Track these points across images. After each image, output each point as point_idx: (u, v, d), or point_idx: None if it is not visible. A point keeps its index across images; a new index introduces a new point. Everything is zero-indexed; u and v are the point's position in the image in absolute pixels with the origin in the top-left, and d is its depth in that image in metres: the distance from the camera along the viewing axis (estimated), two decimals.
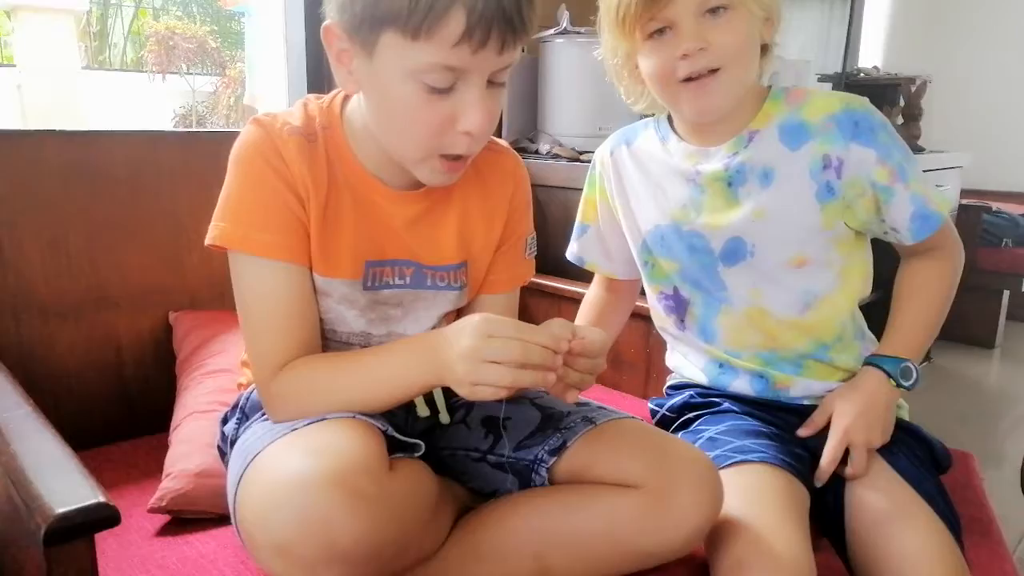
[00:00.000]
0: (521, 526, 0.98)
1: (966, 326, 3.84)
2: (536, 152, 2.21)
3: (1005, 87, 4.51)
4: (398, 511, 0.83)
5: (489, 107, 0.91)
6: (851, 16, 3.50)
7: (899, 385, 1.15)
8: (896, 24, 4.67)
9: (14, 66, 7.81)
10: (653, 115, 1.28)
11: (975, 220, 3.74)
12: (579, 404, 1.07)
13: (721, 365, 1.25)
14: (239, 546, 0.98)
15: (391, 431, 0.93)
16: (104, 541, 1.03)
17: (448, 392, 1.08)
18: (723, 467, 1.08)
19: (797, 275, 1.18)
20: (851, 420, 1.12)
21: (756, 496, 1.03)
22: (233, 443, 1.02)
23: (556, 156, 2.13)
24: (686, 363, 1.32)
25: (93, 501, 0.73)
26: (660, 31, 1.09)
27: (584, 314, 1.42)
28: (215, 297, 1.52)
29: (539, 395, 1.10)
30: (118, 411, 1.46)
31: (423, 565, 0.95)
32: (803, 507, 1.07)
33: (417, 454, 0.96)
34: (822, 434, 1.15)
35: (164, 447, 1.25)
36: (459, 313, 1.09)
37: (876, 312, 1.28)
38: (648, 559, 0.96)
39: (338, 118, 1.01)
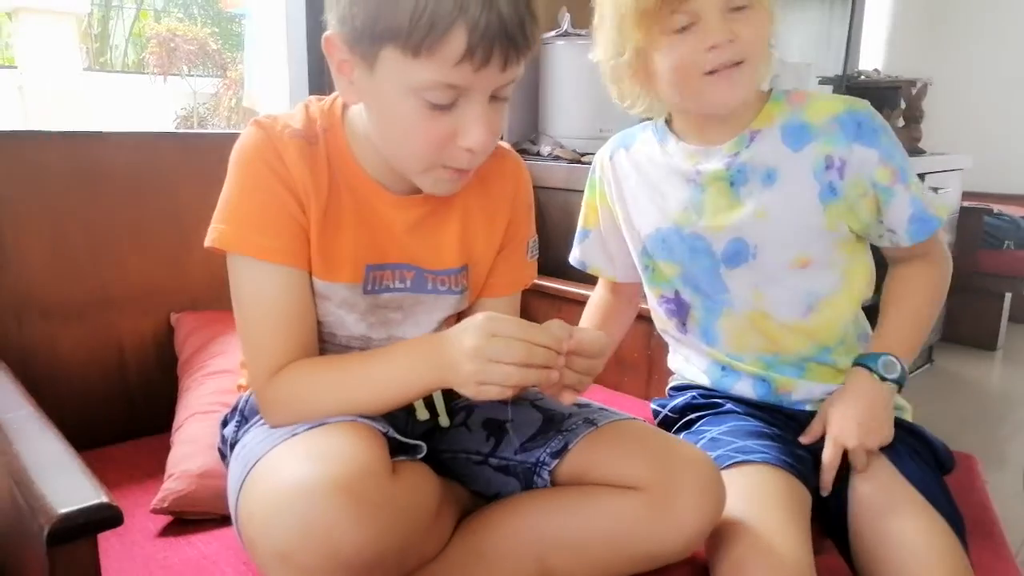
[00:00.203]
0: (523, 528, 0.98)
1: (968, 328, 3.85)
2: (537, 154, 2.21)
3: (1006, 89, 4.51)
4: (401, 517, 0.83)
5: (491, 122, 0.91)
6: (852, 18, 3.50)
7: (884, 379, 1.14)
8: (897, 26, 4.67)
9: (15, 68, 7.82)
10: (650, 119, 1.27)
11: (976, 222, 3.74)
12: (580, 406, 1.07)
13: (723, 368, 1.25)
14: (241, 547, 0.98)
15: (392, 433, 0.92)
16: (107, 541, 1.03)
17: (447, 395, 1.08)
18: (724, 467, 1.08)
19: (800, 276, 1.17)
20: (843, 425, 1.12)
21: (757, 497, 1.03)
22: (233, 446, 1.02)
23: (557, 158, 2.13)
24: (688, 365, 1.32)
25: (96, 501, 0.73)
26: (684, 27, 1.08)
27: (589, 317, 1.42)
28: (217, 298, 1.52)
29: (540, 397, 1.10)
30: (120, 411, 1.46)
31: (425, 568, 0.95)
32: (804, 508, 1.07)
33: (419, 456, 0.96)
34: (821, 445, 1.15)
35: (166, 448, 1.25)
36: (459, 317, 1.08)
37: (876, 314, 1.28)
38: (650, 561, 0.96)
39: (339, 121, 1.00)
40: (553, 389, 0.91)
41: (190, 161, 1.53)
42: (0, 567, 0.89)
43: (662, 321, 1.32)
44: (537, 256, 1.17)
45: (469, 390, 0.87)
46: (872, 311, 1.25)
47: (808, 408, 1.22)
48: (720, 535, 0.99)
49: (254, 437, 0.95)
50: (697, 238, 1.20)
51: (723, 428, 1.17)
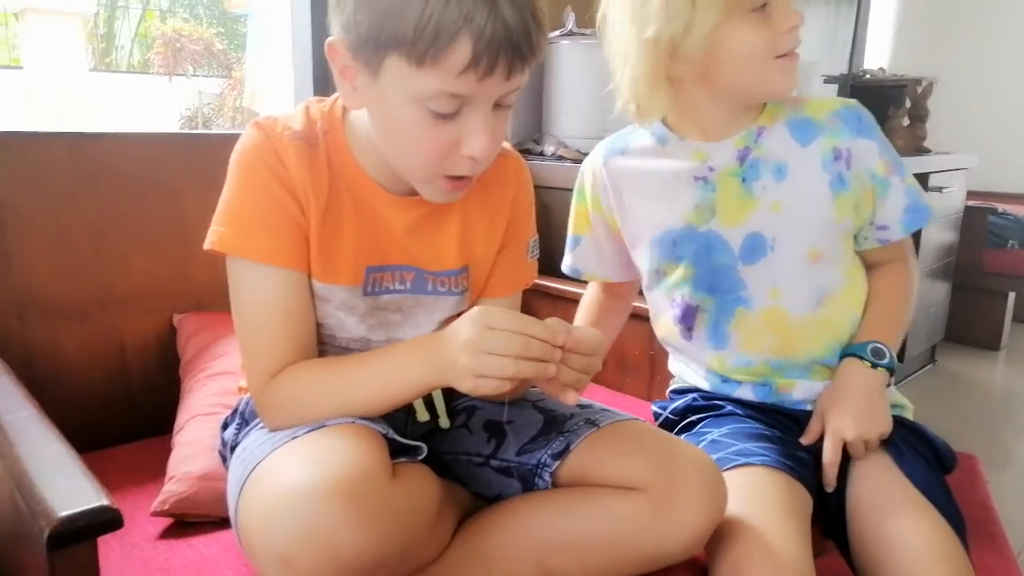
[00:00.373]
0: (524, 530, 0.98)
1: (971, 328, 3.84)
2: (541, 154, 2.21)
3: (1011, 89, 4.50)
4: (402, 519, 0.82)
5: (494, 131, 0.90)
6: (857, 17, 3.48)
7: (875, 366, 1.15)
8: (902, 25, 4.66)
9: (21, 68, 7.84)
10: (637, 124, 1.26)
11: (981, 222, 3.74)
12: (582, 406, 1.07)
13: (724, 379, 1.25)
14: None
15: (392, 434, 0.92)
16: (107, 544, 1.03)
17: (448, 396, 1.08)
18: (725, 470, 1.07)
19: (813, 270, 1.18)
20: (839, 418, 1.12)
21: (757, 499, 1.03)
22: (233, 449, 1.02)
23: (561, 158, 2.13)
24: (688, 371, 1.31)
25: (96, 504, 0.73)
26: (762, 6, 1.07)
27: (582, 316, 1.42)
28: (220, 299, 1.50)
29: (541, 398, 1.10)
30: (122, 413, 1.47)
31: (426, 570, 0.95)
32: (805, 510, 1.07)
33: (419, 458, 0.96)
34: (821, 446, 1.14)
35: (168, 449, 1.25)
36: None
37: None
38: (652, 562, 0.96)
39: (340, 122, 1.00)
40: (552, 388, 0.91)
41: (194, 162, 1.53)
42: (0, 569, 0.89)
43: (666, 328, 1.30)
44: (538, 256, 1.16)
45: (466, 384, 0.86)
46: None
47: (808, 408, 1.21)
48: (720, 536, 0.99)
49: (254, 440, 0.95)
50: (713, 236, 1.19)
51: (724, 430, 1.17)
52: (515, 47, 0.83)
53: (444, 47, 0.81)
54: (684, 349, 1.29)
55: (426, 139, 0.89)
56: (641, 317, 1.44)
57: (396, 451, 0.93)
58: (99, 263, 1.43)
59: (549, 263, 1.40)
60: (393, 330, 1.05)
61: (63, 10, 7.75)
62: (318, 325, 1.01)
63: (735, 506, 1.00)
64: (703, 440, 1.18)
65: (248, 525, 0.83)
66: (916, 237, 3.00)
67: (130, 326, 1.48)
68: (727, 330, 1.22)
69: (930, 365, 3.62)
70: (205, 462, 1.17)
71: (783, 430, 1.18)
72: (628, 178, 1.25)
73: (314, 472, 0.79)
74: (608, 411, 1.06)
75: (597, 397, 1.20)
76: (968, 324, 3.83)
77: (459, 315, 1.07)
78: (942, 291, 3.49)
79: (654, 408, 1.35)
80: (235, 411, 1.08)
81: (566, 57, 2.20)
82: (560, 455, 0.99)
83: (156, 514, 1.13)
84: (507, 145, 1.11)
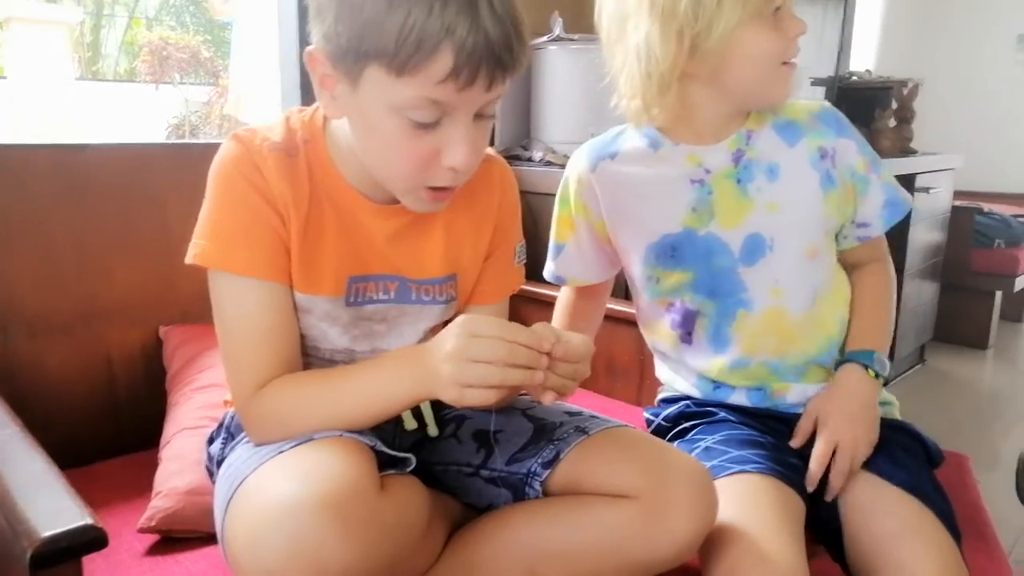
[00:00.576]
0: (515, 540, 0.98)
1: (959, 327, 3.86)
2: (529, 159, 2.20)
3: (996, 89, 4.53)
4: (391, 532, 0.82)
5: (475, 141, 0.90)
6: (844, 20, 3.50)
7: (877, 375, 1.17)
8: (888, 28, 4.68)
9: (5, 78, 7.80)
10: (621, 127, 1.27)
11: (967, 221, 3.76)
12: (571, 414, 1.06)
13: (716, 385, 1.25)
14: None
15: (380, 446, 0.92)
16: (93, 562, 1.02)
17: (436, 405, 1.07)
18: (720, 477, 1.07)
19: (809, 267, 1.20)
20: (836, 422, 1.13)
21: (751, 506, 1.03)
22: (220, 463, 1.01)
23: (549, 163, 2.13)
24: (677, 378, 1.31)
25: (80, 523, 0.73)
26: (776, 9, 1.09)
27: (559, 320, 1.41)
28: (206, 311, 1.48)
29: (531, 406, 1.09)
30: (108, 427, 1.45)
31: None
32: (798, 517, 1.06)
33: (408, 469, 0.95)
34: (814, 440, 1.14)
35: (154, 464, 1.24)
36: (446, 325, 1.07)
37: None
38: (643, 569, 0.95)
39: (320, 132, 0.99)
40: (537, 391, 0.90)
41: (178, 172, 1.52)
42: None
43: (661, 334, 1.29)
44: (524, 261, 1.16)
45: (452, 394, 0.85)
46: None
47: (801, 410, 1.21)
48: (714, 542, 0.99)
49: (240, 455, 0.94)
50: (713, 239, 1.19)
51: (717, 437, 1.17)
52: (496, 59, 0.83)
53: (425, 58, 0.81)
54: (680, 355, 1.28)
55: (406, 149, 0.88)
56: (630, 322, 1.43)
57: (384, 463, 0.92)
58: (83, 275, 1.42)
59: (538, 269, 1.39)
60: (377, 340, 1.04)
61: (48, 19, 7.71)
62: (301, 336, 1.00)
63: (729, 513, 1.00)
64: (696, 447, 1.17)
65: (235, 540, 0.83)
66: (903, 237, 3.01)
67: (115, 339, 1.46)
68: (728, 333, 1.22)
69: (919, 365, 3.63)
70: (192, 477, 1.16)
71: (776, 435, 1.18)
72: (621, 184, 1.24)
73: (301, 487, 0.78)
74: (597, 418, 1.06)
75: (587, 403, 1.19)
76: (956, 323, 3.85)
77: (445, 324, 1.07)
78: (930, 291, 3.50)
79: (646, 415, 1.35)
80: (221, 425, 1.07)
81: (553, 62, 2.19)
82: (550, 464, 0.99)
83: (143, 530, 1.12)
84: (491, 150, 1.11)
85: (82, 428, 1.42)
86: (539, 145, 2.23)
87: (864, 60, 4.37)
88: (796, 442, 1.17)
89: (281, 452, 0.87)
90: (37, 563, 0.69)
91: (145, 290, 1.49)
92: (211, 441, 1.08)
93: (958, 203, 3.70)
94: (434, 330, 1.08)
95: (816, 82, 3.30)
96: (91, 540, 0.72)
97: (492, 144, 2.29)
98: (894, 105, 3.25)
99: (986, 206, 3.90)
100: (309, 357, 1.03)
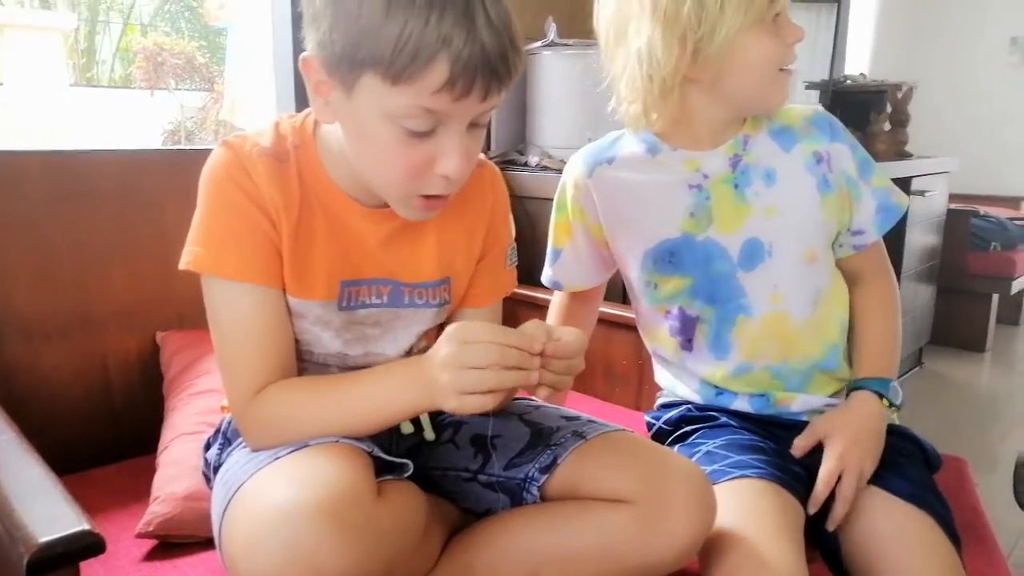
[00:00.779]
0: (513, 545, 0.98)
1: (956, 330, 3.86)
2: (525, 164, 2.20)
3: (989, 92, 4.54)
4: (387, 538, 0.82)
5: (469, 150, 0.90)
6: (837, 24, 3.50)
7: (891, 405, 1.16)
8: (882, 31, 4.69)
9: (1, 84, 7.79)
10: (620, 131, 1.27)
11: (963, 224, 3.77)
12: (569, 418, 1.06)
13: (717, 389, 1.24)
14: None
15: (377, 452, 0.92)
16: (90, 568, 1.01)
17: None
18: (720, 482, 1.07)
19: (809, 271, 1.20)
20: (846, 446, 1.10)
21: (751, 511, 1.02)
22: (216, 469, 1.01)
23: (545, 168, 2.13)
24: (678, 383, 1.30)
25: (77, 529, 0.72)
26: (776, 15, 1.10)
27: (553, 323, 1.40)
28: (203, 315, 1.49)
29: (528, 411, 1.09)
30: (105, 433, 1.45)
31: None
32: (798, 523, 1.06)
33: (405, 474, 0.95)
34: (816, 452, 1.14)
35: (152, 469, 1.24)
36: (441, 328, 1.07)
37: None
38: (641, 573, 0.95)
39: (311, 137, 0.99)
40: (531, 389, 0.91)
41: (175, 177, 1.52)
42: None
43: (662, 340, 1.29)
44: (516, 264, 1.16)
45: (452, 403, 0.86)
46: None
47: (805, 419, 1.21)
48: (714, 547, 0.99)
49: (237, 461, 0.94)
50: (711, 244, 1.19)
51: (718, 442, 1.17)
52: (492, 70, 0.83)
53: (421, 67, 0.81)
54: (681, 361, 1.27)
55: (400, 157, 0.88)
56: (628, 327, 1.43)
57: (382, 468, 0.92)
58: (80, 280, 1.42)
59: (535, 273, 1.39)
60: (371, 344, 1.04)
61: (43, 25, 7.71)
62: (295, 341, 1.00)
63: (729, 518, 1.00)
64: (697, 452, 1.17)
65: (232, 546, 0.83)
66: (899, 240, 3.01)
67: (112, 344, 1.46)
68: (729, 339, 1.21)
69: (917, 368, 3.64)
70: (189, 482, 1.15)
71: (778, 441, 1.18)
72: (619, 189, 1.23)
73: (297, 492, 0.78)
74: (595, 422, 1.06)
75: (585, 407, 1.20)
76: (954, 326, 3.85)
77: (439, 327, 1.07)
78: (927, 294, 3.51)
79: (647, 418, 1.34)
80: (217, 431, 1.07)
81: (548, 67, 2.19)
82: (548, 469, 0.99)
83: (141, 536, 1.12)
84: (480, 155, 1.11)
85: (79, 433, 1.42)
86: (535, 150, 2.23)
87: (858, 64, 4.38)
88: (797, 454, 1.16)
89: (278, 458, 0.87)
90: (34, 569, 0.69)
91: (142, 295, 1.49)
92: (208, 447, 1.08)
93: (954, 206, 3.70)
94: (427, 334, 1.08)
95: (810, 86, 3.31)
96: (88, 546, 0.72)
97: (488, 149, 2.30)
98: (889, 109, 3.25)
99: (982, 209, 3.90)
100: (303, 361, 1.03)
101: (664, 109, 1.15)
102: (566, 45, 2.18)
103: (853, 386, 1.19)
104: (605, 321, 1.65)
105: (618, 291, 1.47)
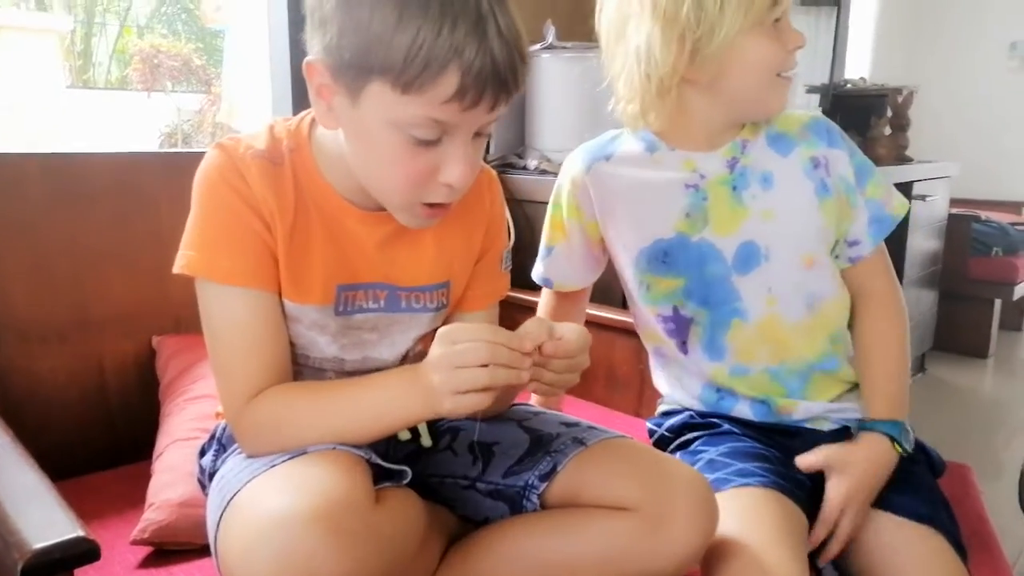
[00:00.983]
0: (513, 553, 0.97)
1: (959, 336, 3.86)
2: (524, 167, 2.19)
3: (989, 97, 4.54)
4: (385, 546, 0.81)
5: (472, 159, 0.90)
6: (837, 28, 3.51)
7: (902, 448, 1.13)
8: (882, 35, 4.69)
9: None
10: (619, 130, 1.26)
11: (965, 229, 3.76)
12: (569, 425, 1.05)
13: (719, 390, 1.23)
14: None
15: (375, 459, 0.91)
16: (85, 574, 1.00)
17: None
18: (722, 490, 1.06)
19: (807, 276, 1.18)
20: (852, 487, 1.09)
21: (754, 519, 1.02)
22: (212, 476, 1.00)
23: (544, 171, 2.12)
24: (679, 389, 1.29)
25: (72, 535, 0.72)
26: (776, 20, 1.10)
27: None
28: (199, 320, 1.50)
29: (526, 417, 1.08)
30: (101, 437, 1.44)
31: None
32: (801, 530, 1.06)
33: (404, 481, 0.94)
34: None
35: (147, 475, 1.23)
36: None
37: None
38: None
39: (306, 140, 0.98)
40: (533, 387, 0.91)
41: (172, 179, 1.51)
42: None
43: (659, 340, 1.28)
44: (511, 267, 1.15)
45: (448, 404, 0.85)
46: None
47: (807, 425, 1.20)
48: (715, 555, 0.98)
49: (232, 468, 0.93)
50: (706, 245, 1.18)
51: (721, 449, 1.16)
52: (501, 81, 0.83)
53: (432, 78, 0.80)
54: (678, 361, 1.27)
55: (404, 165, 0.88)
56: (629, 332, 1.42)
57: (380, 475, 0.91)
58: (76, 284, 1.42)
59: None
60: (368, 349, 1.04)
61: (39, 27, 7.73)
62: (291, 345, 0.99)
63: (732, 526, 0.99)
64: (699, 459, 1.16)
65: (228, 554, 0.82)
66: (901, 245, 3.01)
67: (108, 348, 1.46)
68: (723, 342, 1.21)
69: (919, 374, 3.63)
70: (185, 489, 1.15)
71: (780, 448, 1.17)
72: (616, 186, 1.23)
73: (293, 500, 0.77)
74: (595, 428, 1.05)
75: (586, 414, 1.19)
76: (956, 332, 3.85)
77: (436, 331, 1.06)
78: (929, 300, 3.51)
79: (649, 425, 1.33)
80: (212, 437, 1.06)
81: (547, 70, 2.19)
82: (547, 476, 0.98)
83: (136, 543, 1.12)
84: None
85: (74, 438, 1.42)
86: (534, 153, 2.22)
87: (858, 68, 4.39)
88: (799, 465, 1.14)
89: (274, 465, 0.86)
90: (28, 575, 0.69)
91: (138, 299, 1.48)
92: (203, 453, 1.07)
93: (955, 211, 3.70)
94: (424, 338, 1.07)
95: (811, 90, 3.31)
96: (83, 552, 0.72)
97: (487, 152, 2.29)
98: (889, 113, 3.25)
99: (983, 214, 3.90)
100: (299, 365, 1.02)
101: (662, 109, 1.15)
102: (565, 48, 2.17)
103: (866, 425, 1.16)
104: (606, 326, 1.64)
105: (618, 296, 1.46)
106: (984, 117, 4.55)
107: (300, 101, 2.02)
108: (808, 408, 1.20)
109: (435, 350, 0.86)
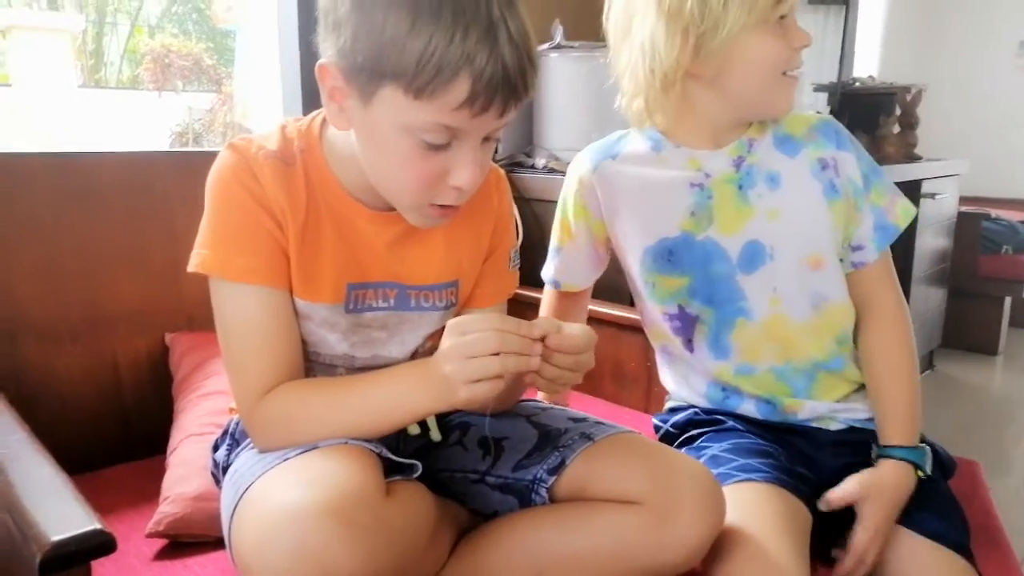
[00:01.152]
0: (522, 546, 0.98)
1: (969, 333, 3.85)
2: (532, 167, 2.20)
3: (998, 95, 4.53)
4: (396, 539, 0.82)
5: (482, 163, 0.91)
6: (845, 26, 3.49)
7: (924, 472, 1.13)
8: (891, 33, 4.68)
9: (9, 85, 7.81)
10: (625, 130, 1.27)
11: (975, 227, 3.76)
12: (577, 420, 1.06)
13: (725, 389, 1.24)
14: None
15: (386, 452, 0.92)
16: (102, 566, 1.02)
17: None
18: (726, 485, 1.06)
19: (813, 277, 1.18)
20: (882, 520, 1.08)
21: (756, 514, 1.02)
22: (225, 470, 1.01)
23: (552, 171, 2.12)
24: (685, 387, 1.30)
25: (89, 528, 0.73)
26: (782, 17, 1.09)
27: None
28: (211, 318, 1.51)
29: (535, 412, 1.09)
30: (116, 433, 1.45)
31: None
32: (804, 527, 1.06)
33: (414, 475, 0.95)
34: (822, 448, 1.14)
35: (161, 470, 1.24)
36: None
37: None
38: (650, 574, 0.95)
39: (318, 140, 0.99)
40: (546, 386, 0.92)
41: (183, 179, 1.52)
42: None
43: (666, 338, 1.28)
44: (519, 265, 1.16)
45: (462, 395, 0.86)
46: None
47: (813, 424, 1.21)
48: (717, 549, 0.98)
49: (245, 462, 0.94)
50: (711, 244, 1.19)
51: (725, 445, 1.16)
52: (511, 87, 0.84)
53: (443, 84, 0.81)
54: (684, 359, 1.27)
55: (415, 168, 0.89)
56: (637, 329, 1.43)
57: (391, 469, 0.92)
58: (89, 282, 1.42)
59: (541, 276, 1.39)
60: (378, 347, 1.05)
61: (51, 27, 7.74)
62: (302, 343, 1.00)
63: (734, 521, 1.00)
64: (703, 455, 1.17)
65: (242, 546, 0.83)
66: (910, 242, 3.00)
67: (122, 346, 1.47)
68: (728, 341, 1.21)
69: (928, 371, 3.63)
70: (199, 482, 1.16)
71: (784, 445, 1.18)
72: (622, 184, 1.23)
73: (306, 493, 0.78)
74: (603, 424, 1.06)
75: (594, 410, 1.19)
76: (965, 329, 3.84)
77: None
78: (938, 297, 3.50)
79: (655, 421, 1.34)
80: (225, 432, 1.07)
81: (555, 70, 2.19)
82: (556, 470, 0.99)
83: (151, 535, 1.13)
84: None
85: (90, 434, 1.42)
86: (542, 152, 2.22)
87: (867, 66, 4.37)
88: (824, 507, 1.12)
89: (286, 459, 0.88)
90: (46, 568, 0.70)
91: (151, 297, 1.49)
92: (216, 448, 1.08)
93: (964, 209, 3.69)
94: (433, 336, 1.07)
95: (819, 88, 3.30)
96: (99, 544, 0.73)
97: (495, 152, 2.29)
98: (898, 111, 3.24)
99: (992, 212, 3.89)
100: (309, 362, 1.03)
101: (666, 104, 1.15)
102: (572, 47, 2.17)
103: (887, 453, 1.14)
104: (615, 323, 1.65)
105: (626, 293, 1.46)
106: (993, 115, 4.54)
107: (310, 101, 2.02)
108: (814, 408, 1.20)
109: (446, 341, 0.87)
